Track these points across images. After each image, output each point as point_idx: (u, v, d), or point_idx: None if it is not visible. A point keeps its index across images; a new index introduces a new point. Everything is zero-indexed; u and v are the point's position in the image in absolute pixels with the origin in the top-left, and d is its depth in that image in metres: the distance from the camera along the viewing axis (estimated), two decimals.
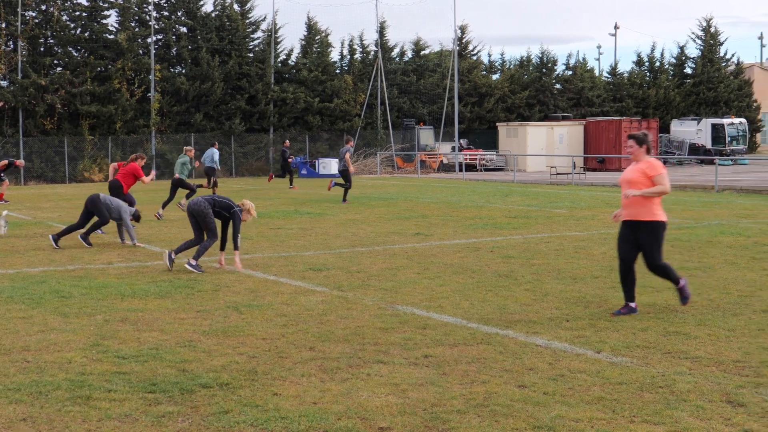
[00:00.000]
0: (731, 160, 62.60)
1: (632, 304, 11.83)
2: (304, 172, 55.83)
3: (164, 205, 27.99)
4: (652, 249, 11.90)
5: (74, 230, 20.13)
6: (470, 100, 68.43)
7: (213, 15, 61.80)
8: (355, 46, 68.72)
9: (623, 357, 9.60)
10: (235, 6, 63.08)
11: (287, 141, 46.87)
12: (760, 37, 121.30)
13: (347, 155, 33.28)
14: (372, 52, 67.94)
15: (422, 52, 72.31)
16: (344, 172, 33.18)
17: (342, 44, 69.03)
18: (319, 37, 66.63)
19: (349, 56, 68.45)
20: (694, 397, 8.20)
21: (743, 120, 68.94)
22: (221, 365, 9.38)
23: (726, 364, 9.32)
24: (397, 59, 70.75)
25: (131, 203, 22.02)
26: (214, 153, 38.93)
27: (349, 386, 8.60)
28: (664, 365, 9.27)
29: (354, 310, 12.09)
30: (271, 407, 7.97)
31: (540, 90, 71.66)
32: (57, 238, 19.87)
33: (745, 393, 8.32)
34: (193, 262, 16.02)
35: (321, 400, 8.19)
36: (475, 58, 72.63)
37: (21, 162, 40.98)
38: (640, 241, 11.89)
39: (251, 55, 63.06)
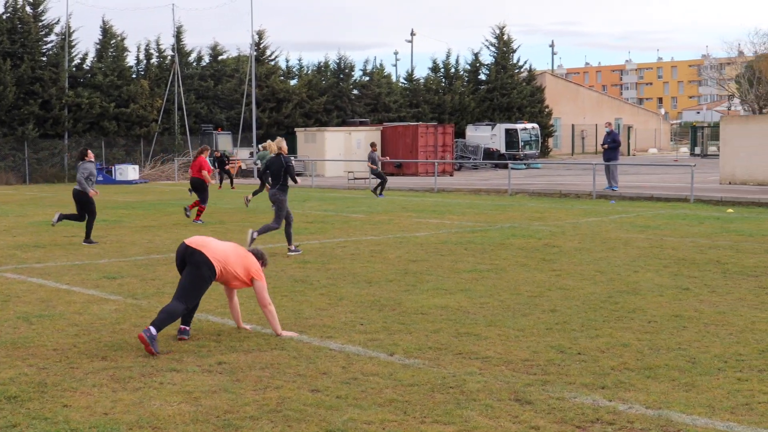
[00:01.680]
0: (524, 164, 64.19)
1: None
2: (100, 178, 54.66)
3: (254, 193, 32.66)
4: None
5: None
6: (268, 106, 68.30)
7: (4, 17, 59.91)
8: (152, 51, 67.83)
9: (415, 359, 9.74)
10: (27, 8, 61.31)
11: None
12: (552, 45, 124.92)
13: (377, 158, 39.42)
14: (169, 57, 67.14)
15: (220, 57, 71.86)
16: (378, 173, 38.72)
17: (138, 49, 68.17)
18: (114, 41, 65.51)
19: (145, 61, 67.48)
20: (483, 396, 8.38)
21: (536, 125, 70.87)
22: (9, 378, 9.11)
23: (515, 363, 9.56)
24: (194, 64, 70.13)
25: (204, 200, 26.98)
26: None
27: (142, 395, 8.49)
28: (455, 366, 9.45)
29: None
30: (60, 419, 7.79)
31: (338, 95, 72.05)
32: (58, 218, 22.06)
33: (533, 391, 8.54)
34: (292, 247, 19.07)
35: (112, 410, 8.05)
36: (273, 63, 72.52)
37: None
38: None
39: (45, 58, 61.35)
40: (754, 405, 8.09)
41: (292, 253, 18.71)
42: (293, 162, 19.93)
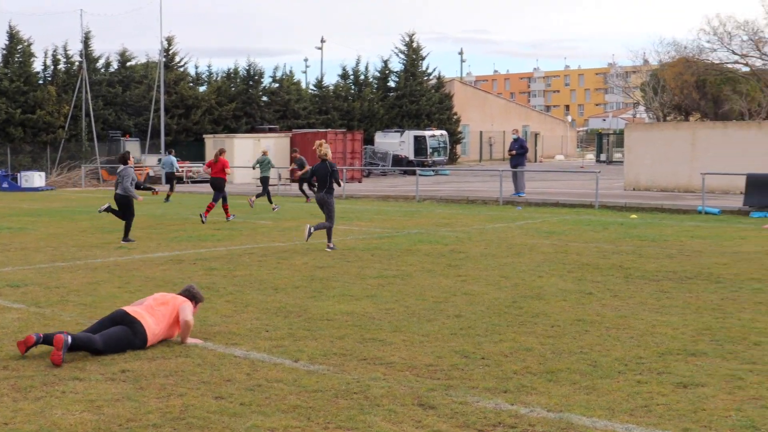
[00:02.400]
0: (433, 170, 64.58)
1: None
2: (5, 185, 53.82)
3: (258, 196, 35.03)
4: None
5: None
6: (177, 112, 67.90)
7: None
8: (59, 56, 67.08)
9: (320, 365, 9.76)
10: None
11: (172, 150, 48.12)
12: (461, 53, 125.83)
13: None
14: (76, 63, 66.44)
15: (128, 63, 71.33)
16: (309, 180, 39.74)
17: (45, 54, 67.20)
18: (21, 46, 64.62)
19: (52, 66, 66.70)
20: (387, 401, 8.42)
21: (444, 132, 71.31)
22: None
23: (419, 368, 9.62)
24: (102, 70, 69.49)
25: (225, 198, 28.99)
26: (173, 160, 43.82)
27: (43, 404, 8.39)
28: (359, 371, 9.49)
29: (51, 327, 11.76)
30: None
31: (247, 102, 71.87)
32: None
33: (436, 395, 8.61)
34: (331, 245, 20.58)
35: (13, 420, 7.94)
36: (182, 69, 72.13)
37: None
38: None
39: None
40: (653, 407, 8.25)
41: (330, 249, 20.32)
42: (337, 168, 21.27)
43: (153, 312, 10.79)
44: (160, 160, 59.79)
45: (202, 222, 27.87)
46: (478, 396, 8.60)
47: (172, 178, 43.56)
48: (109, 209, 22.98)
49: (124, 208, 22.85)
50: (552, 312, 12.80)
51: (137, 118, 66.93)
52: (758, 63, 74.54)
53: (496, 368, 9.62)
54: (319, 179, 20.80)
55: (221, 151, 30.72)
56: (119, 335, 10.34)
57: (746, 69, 76.77)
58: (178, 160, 48.42)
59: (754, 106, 78.84)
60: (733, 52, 74.12)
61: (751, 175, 32.00)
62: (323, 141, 21.33)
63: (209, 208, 28.94)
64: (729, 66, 77.05)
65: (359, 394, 8.67)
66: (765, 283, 15.37)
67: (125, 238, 22.56)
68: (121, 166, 22.98)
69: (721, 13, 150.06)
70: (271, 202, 34.31)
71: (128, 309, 10.73)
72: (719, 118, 77.56)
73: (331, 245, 20.57)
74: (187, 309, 10.91)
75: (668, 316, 12.54)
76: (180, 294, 11.35)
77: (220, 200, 29.27)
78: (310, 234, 20.64)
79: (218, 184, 29.62)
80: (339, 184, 21.12)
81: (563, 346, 10.62)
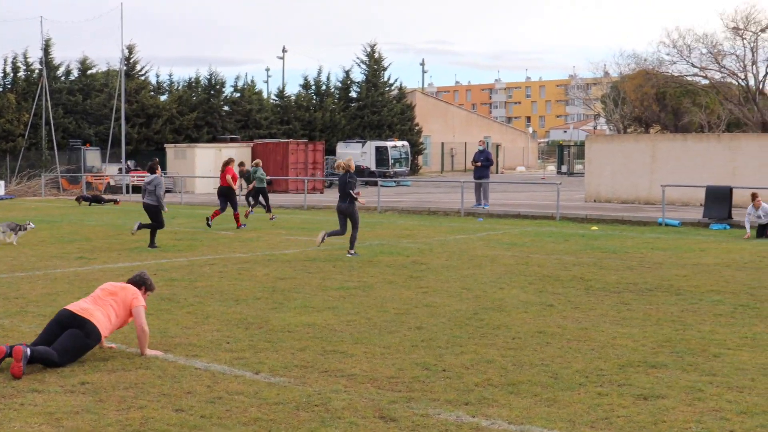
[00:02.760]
0: (394, 181, 64.61)
1: None
2: None
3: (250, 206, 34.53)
4: None
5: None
6: (138, 121, 67.64)
7: None
8: (19, 64, 66.74)
9: (281, 377, 9.73)
10: None
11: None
12: (422, 64, 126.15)
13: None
14: (36, 70, 66.06)
15: (89, 71, 71.02)
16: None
17: (5, 61, 66.84)
18: None
19: (12, 74, 66.30)
20: (348, 414, 8.41)
21: (406, 143, 71.43)
22: None
23: (380, 381, 9.61)
24: (62, 78, 69.14)
25: (235, 206, 29.61)
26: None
27: (1, 417, 8.31)
28: (320, 384, 9.47)
29: (10, 338, 11.66)
30: None
31: (208, 112, 71.71)
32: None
33: (398, 408, 8.60)
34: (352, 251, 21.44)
35: None
36: (143, 78, 71.91)
37: None
38: None
39: None
40: (613, 419, 8.28)
41: (350, 255, 21.22)
42: (355, 179, 22.30)
43: (101, 303, 10.68)
44: (120, 169, 59.56)
45: (208, 225, 29.51)
46: (440, 408, 8.60)
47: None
48: (141, 227, 23.87)
49: (153, 216, 23.65)
50: (513, 324, 12.83)
51: (98, 127, 66.61)
52: (717, 76, 75.14)
53: (457, 380, 9.62)
54: (339, 190, 21.94)
55: (230, 161, 31.50)
56: (74, 344, 10.22)
57: (705, 82, 77.38)
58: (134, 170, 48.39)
59: (713, 118, 79.53)
60: (693, 65, 74.67)
61: (710, 187, 32.24)
62: (350, 157, 23.31)
63: (215, 214, 30.35)
64: (689, 78, 77.61)
65: (320, 406, 8.65)
66: (724, 295, 15.48)
67: (151, 244, 23.46)
68: (150, 176, 23.73)
69: (680, 26, 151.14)
70: (269, 211, 34.19)
71: (73, 308, 10.55)
72: (679, 130, 78.19)
73: (353, 252, 21.43)
74: (141, 312, 10.75)
75: (629, 328, 12.60)
76: (130, 281, 11.21)
77: (230, 208, 30.59)
78: (323, 240, 21.76)
79: (223, 192, 30.77)
80: (353, 197, 21.71)
81: (524, 358, 10.64)
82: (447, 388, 9.30)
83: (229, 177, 30.71)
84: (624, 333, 12.21)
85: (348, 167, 21.84)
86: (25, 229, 24.83)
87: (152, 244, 23.43)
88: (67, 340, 10.23)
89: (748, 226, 26.76)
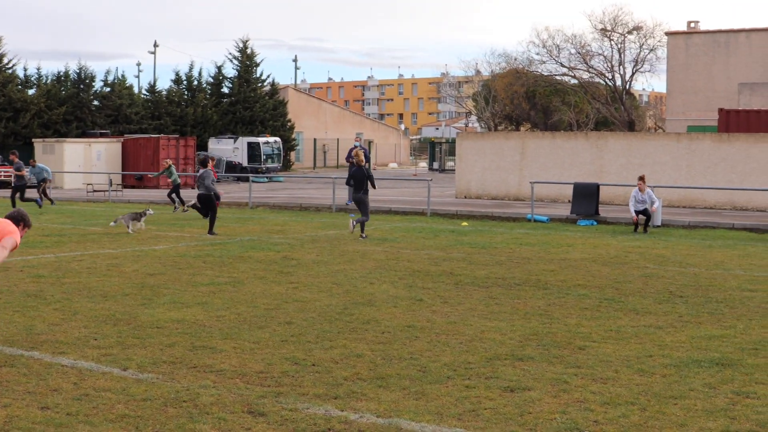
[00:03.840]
0: (266, 177, 64.37)
1: None
2: None
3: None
4: None
5: None
6: (5, 116, 66.18)
7: None
8: None
9: (149, 373, 9.65)
10: None
11: None
12: (295, 60, 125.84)
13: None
14: None
15: None
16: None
17: None
18: None
19: None
20: (216, 409, 8.39)
21: (278, 139, 71.09)
22: None
23: (249, 376, 9.60)
24: None
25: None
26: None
27: None
28: (189, 379, 9.42)
29: None
30: None
31: (78, 106, 70.51)
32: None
33: (266, 403, 8.61)
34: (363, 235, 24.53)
35: None
36: (10, 72, 70.35)
37: None
38: None
39: None
40: (480, 411, 8.40)
41: (363, 239, 24.33)
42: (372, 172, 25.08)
43: None
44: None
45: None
46: (308, 403, 8.63)
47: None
48: (194, 206, 27.43)
49: (206, 205, 26.16)
50: (383, 318, 12.92)
51: None
52: (585, 75, 76.58)
53: (326, 375, 9.66)
54: (356, 182, 25.02)
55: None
56: None
57: (574, 81, 78.77)
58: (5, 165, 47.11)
59: (582, 117, 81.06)
60: (562, 65, 75.99)
61: (578, 184, 32.80)
62: (359, 151, 26.09)
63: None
64: (558, 78, 78.92)
65: (189, 402, 8.61)
66: (590, 290, 15.80)
67: (210, 231, 25.49)
68: (202, 169, 26.65)
69: (550, 26, 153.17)
70: (183, 203, 35.02)
71: None
72: (549, 128, 79.55)
73: (364, 235, 24.55)
74: (10, 242, 10.25)
75: (497, 321, 12.79)
76: (7, 217, 10.75)
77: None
78: (354, 226, 24.92)
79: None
80: (374, 187, 25.27)
81: (393, 352, 10.73)
82: (316, 383, 9.33)
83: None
84: (492, 327, 12.38)
85: (361, 162, 25.08)
86: (145, 214, 26.97)
87: (211, 231, 25.39)
88: None
89: (632, 209, 26.78)
